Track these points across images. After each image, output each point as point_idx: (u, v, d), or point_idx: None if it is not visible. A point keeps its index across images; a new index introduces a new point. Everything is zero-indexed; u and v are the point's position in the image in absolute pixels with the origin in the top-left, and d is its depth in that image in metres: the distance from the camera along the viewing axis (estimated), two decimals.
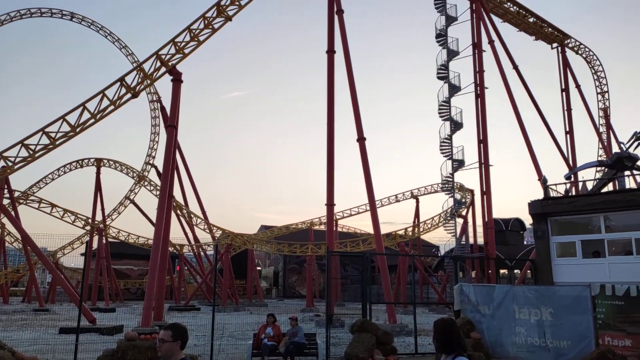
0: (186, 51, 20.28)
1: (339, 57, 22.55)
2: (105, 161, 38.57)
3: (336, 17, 22.66)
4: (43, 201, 33.52)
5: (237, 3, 21.18)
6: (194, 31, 20.46)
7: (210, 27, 20.82)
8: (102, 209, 37.99)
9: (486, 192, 25.10)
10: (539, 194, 18.07)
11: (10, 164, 18.59)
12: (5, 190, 26.11)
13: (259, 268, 47.52)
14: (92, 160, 38.20)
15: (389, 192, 44.00)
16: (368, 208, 37.45)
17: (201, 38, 20.71)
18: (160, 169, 36.56)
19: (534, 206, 13.66)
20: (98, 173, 37.94)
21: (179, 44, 20.13)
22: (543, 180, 14.36)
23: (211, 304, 16.17)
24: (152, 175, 38.98)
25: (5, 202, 26.47)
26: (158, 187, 37.85)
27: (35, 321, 21.47)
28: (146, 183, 39.34)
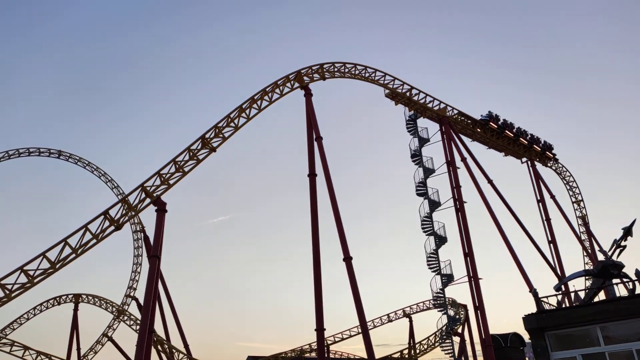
0: (171, 182, 20.77)
1: (321, 180, 23.31)
2: (84, 296, 37.12)
3: (315, 144, 23.86)
4: (15, 344, 31.44)
5: (220, 135, 22.28)
6: (179, 163, 21.16)
7: (195, 158, 21.60)
8: (78, 349, 35.67)
9: (479, 307, 24.50)
10: (532, 306, 17.70)
11: None
12: None
13: None
14: (70, 296, 36.74)
15: (381, 312, 42.71)
16: (360, 331, 35.86)
17: (186, 169, 21.37)
18: (141, 301, 35.25)
19: (529, 321, 13.29)
20: (76, 309, 36.29)
21: (164, 175, 20.67)
22: (534, 293, 14.16)
23: None
24: (133, 308, 37.41)
25: None
26: (138, 321, 36.10)
27: None
28: (126, 317, 37.51)
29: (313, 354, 38.64)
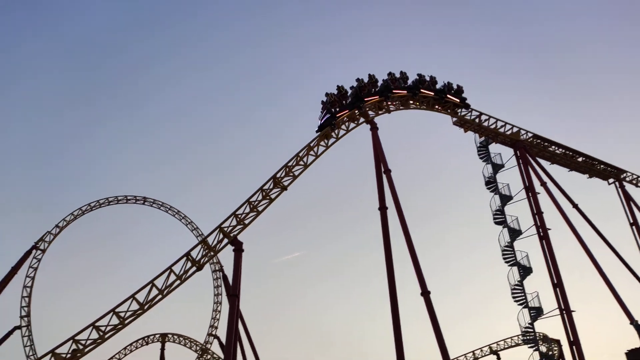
0: (246, 222, 21.45)
1: (392, 212, 23.05)
2: (170, 335, 38.68)
3: (384, 177, 23.77)
4: None
5: (291, 174, 22.84)
6: (252, 203, 21.86)
7: (268, 197, 22.22)
8: None
9: (574, 342, 22.57)
10: (634, 339, 16.09)
11: (81, 347, 18.95)
12: None
13: None
14: (157, 335, 38.46)
15: (465, 348, 40.60)
16: None
17: (259, 208, 22.00)
18: (223, 340, 36.15)
19: (633, 355, 12.08)
20: (162, 348, 37.84)
21: (239, 215, 21.43)
22: (635, 325, 12.90)
23: None
24: (215, 347, 38.34)
25: None
26: (220, 359, 36.91)
27: None
28: (209, 356, 38.51)
29: None
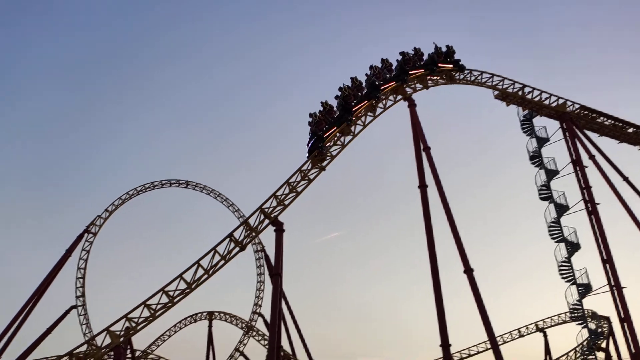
0: (286, 202, 21.70)
1: (432, 190, 22.76)
2: (217, 314, 39.98)
3: (424, 154, 23.42)
4: (161, 359, 34.79)
5: (329, 155, 22.84)
6: (292, 184, 22.06)
7: (307, 178, 22.34)
8: None
9: (625, 319, 21.89)
10: None
11: (133, 324, 19.89)
12: (128, 351, 27.56)
13: None
14: (204, 314, 39.84)
15: (510, 326, 39.99)
16: (488, 346, 33.93)
17: (299, 189, 22.17)
18: (267, 317, 37.11)
19: None
20: (210, 326, 39.18)
21: (279, 197, 21.69)
22: None
23: None
24: (260, 324, 39.38)
25: None
26: (265, 337, 37.93)
27: None
28: (254, 333, 39.65)
29: None
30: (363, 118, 23.61)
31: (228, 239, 20.47)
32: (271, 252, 27.29)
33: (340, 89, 22.62)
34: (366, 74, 23.34)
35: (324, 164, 22.59)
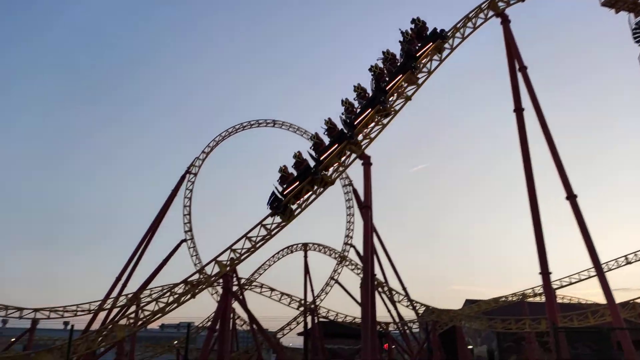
0: (372, 135, 21.52)
1: (529, 114, 21.28)
2: (311, 245, 41.92)
3: (519, 75, 21.73)
4: (264, 286, 37.63)
5: (415, 84, 22.00)
6: (378, 115, 21.72)
7: (392, 109, 21.85)
8: (312, 290, 40.72)
9: None
10: None
11: (237, 255, 21.55)
12: (234, 278, 30.05)
13: (470, 347, 44.21)
14: (299, 245, 41.95)
15: (616, 253, 37.66)
16: (592, 274, 32.49)
17: (384, 121, 21.82)
18: (358, 248, 38.32)
19: None
20: (305, 257, 41.29)
21: (365, 130, 21.54)
22: None
23: None
24: (352, 255, 40.76)
25: (234, 289, 30.40)
26: (358, 266, 39.34)
27: None
28: (347, 263, 41.22)
29: (537, 299, 36.66)
30: (450, 41, 22.21)
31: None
32: (359, 186, 27.68)
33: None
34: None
35: (410, 93, 21.86)
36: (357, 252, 38.99)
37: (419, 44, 21.69)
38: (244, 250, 21.15)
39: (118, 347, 23.93)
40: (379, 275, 34.82)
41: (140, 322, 20.27)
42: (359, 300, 31.88)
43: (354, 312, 42.03)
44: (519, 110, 21.64)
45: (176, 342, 44.21)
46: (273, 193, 19.39)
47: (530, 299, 36.73)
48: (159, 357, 44.11)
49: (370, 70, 20.74)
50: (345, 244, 41.65)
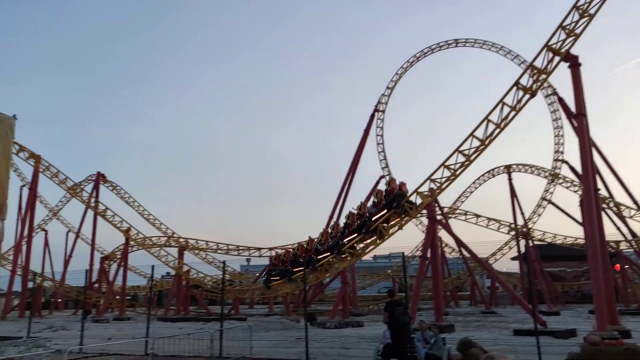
0: (577, 31, 18.56)
1: None
2: (514, 166, 39.25)
3: None
4: (468, 213, 36.94)
5: None
6: (581, 7, 18.54)
7: None
8: (522, 213, 38.50)
9: None
10: None
11: (437, 185, 21.46)
12: (437, 208, 30.17)
13: None
14: (501, 168, 39.65)
15: None
16: None
17: (591, 11, 18.51)
18: (571, 163, 34.27)
19: None
20: (509, 179, 38.95)
21: (567, 27, 18.66)
22: None
23: None
24: (565, 171, 36.94)
25: (439, 217, 30.56)
26: (574, 183, 35.46)
27: (487, 323, 23.44)
28: (560, 181, 37.57)
29: None
30: None
31: (515, 88, 19.22)
32: (563, 93, 24.60)
33: None
34: None
35: None
36: (571, 168, 35.11)
37: None
38: (443, 179, 21.00)
39: (342, 276, 26.57)
40: (602, 190, 30.88)
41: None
42: (579, 219, 29.00)
43: (574, 232, 38.64)
44: None
45: (389, 270, 47.07)
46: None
47: None
48: (377, 284, 47.86)
49: None
50: (556, 160, 37.87)
